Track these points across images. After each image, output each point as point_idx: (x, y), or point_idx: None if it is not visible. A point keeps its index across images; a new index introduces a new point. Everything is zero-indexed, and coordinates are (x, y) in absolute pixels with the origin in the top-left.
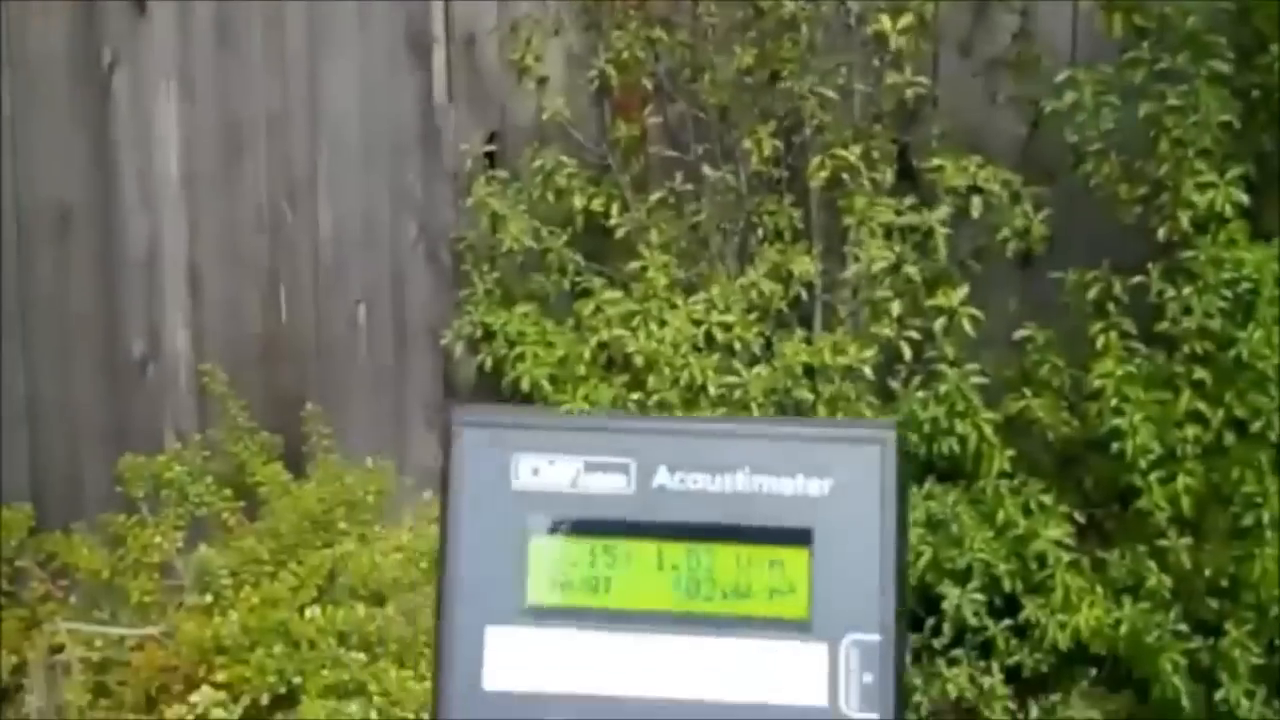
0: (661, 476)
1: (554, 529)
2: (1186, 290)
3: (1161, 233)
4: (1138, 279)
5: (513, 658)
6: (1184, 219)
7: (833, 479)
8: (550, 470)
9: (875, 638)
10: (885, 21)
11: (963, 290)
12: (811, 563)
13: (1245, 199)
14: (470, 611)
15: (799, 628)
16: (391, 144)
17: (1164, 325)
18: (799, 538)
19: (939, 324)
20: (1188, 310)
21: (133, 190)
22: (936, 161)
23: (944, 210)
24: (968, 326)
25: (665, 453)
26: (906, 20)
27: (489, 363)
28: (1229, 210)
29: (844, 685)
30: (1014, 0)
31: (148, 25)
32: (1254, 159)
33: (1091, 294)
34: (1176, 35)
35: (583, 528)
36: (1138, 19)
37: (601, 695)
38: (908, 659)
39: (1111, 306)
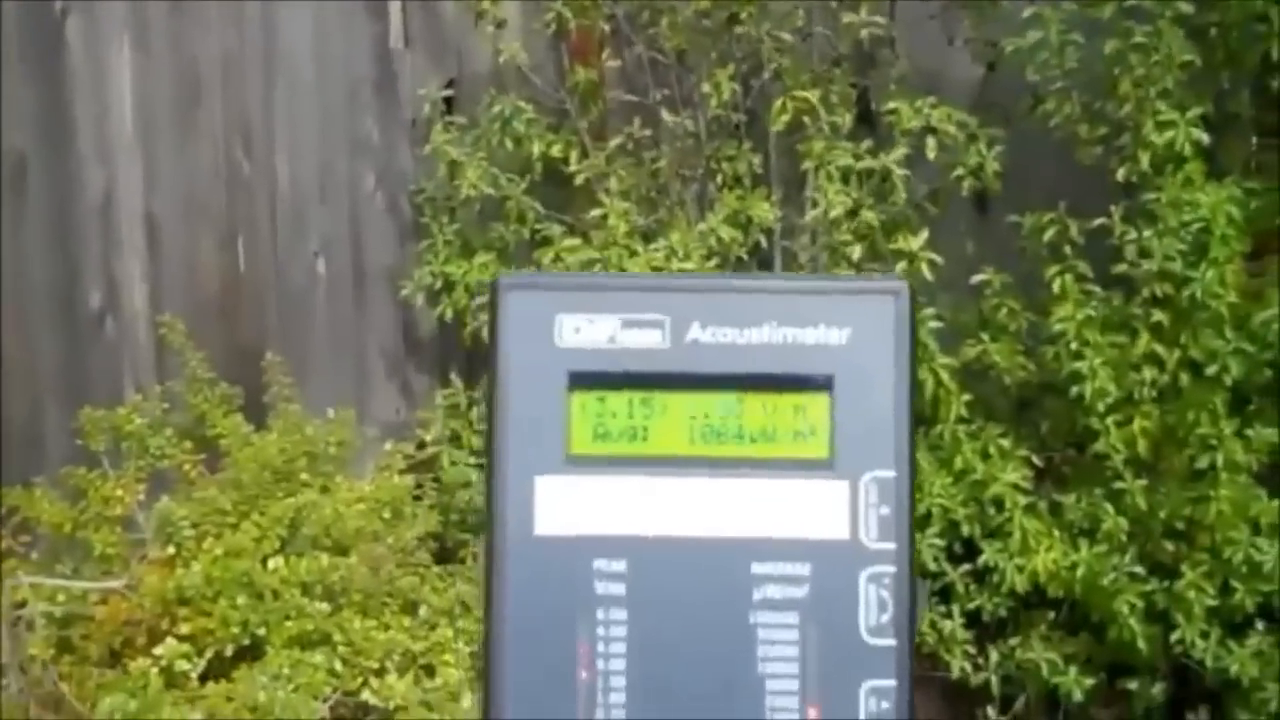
0: (694, 331)
1: (594, 383)
2: (1147, 233)
3: (1121, 174)
4: (1098, 222)
5: (560, 505)
6: (1144, 159)
7: (851, 329)
8: (590, 328)
9: (891, 474)
10: None
11: (923, 235)
12: (832, 407)
13: (1205, 138)
14: (519, 464)
15: (822, 466)
16: (348, 91)
17: (1122, 268)
18: (821, 384)
19: (899, 268)
20: (1147, 253)
21: (88, 141)
22: (892, 104)
23: (900, 151)
24: (926, 271)
25: (697, 309)
26: None
27: (449, 313)
28: (1188, 150)
29: (864, 518)
30: None
31: None
32: (1211, 99)
33: (1048, 237)
34: None
35: (621, 381)
36: None
37: (644, 535)
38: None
39: (1068, 249)
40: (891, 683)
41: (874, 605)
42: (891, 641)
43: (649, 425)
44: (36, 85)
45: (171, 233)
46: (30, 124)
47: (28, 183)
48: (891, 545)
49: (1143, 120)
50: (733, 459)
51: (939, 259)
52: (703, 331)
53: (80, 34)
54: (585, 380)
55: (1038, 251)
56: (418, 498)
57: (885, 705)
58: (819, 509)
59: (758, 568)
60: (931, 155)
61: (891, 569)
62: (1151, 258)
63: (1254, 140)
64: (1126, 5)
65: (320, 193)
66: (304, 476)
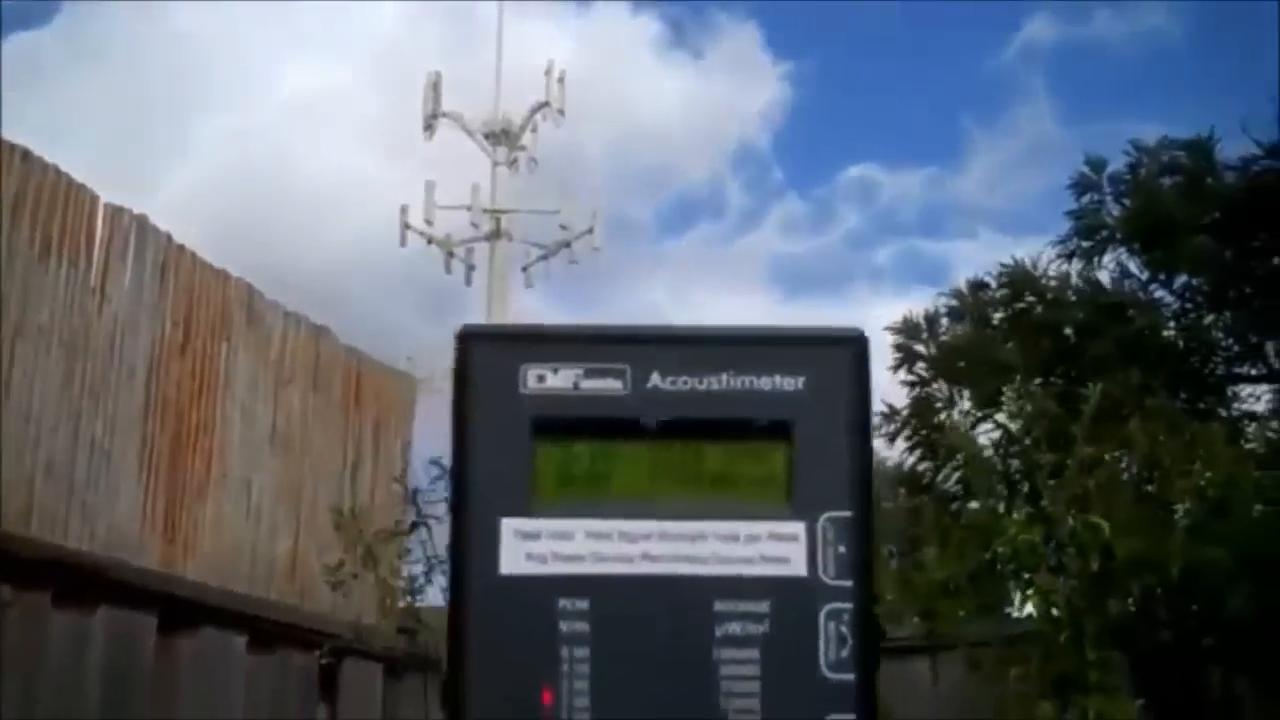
0: (654, 379)
1: (558, 430)
2: None
3: None
4: None
5: (524, 546)
6: None
7: (806, 376)
8: (554, 377)
9: (847, 514)
10: None
11: None
12: (790, 452)
13: None
14: (484, 506)
15: (780, 508)
16: None
17: None
18: (778, 430)
19: None
20: None
21: None
22: None
23: None
24: None
25: (657, 359)
26: None
27: None
28: None
29: (821, 557)
30: None
31: None
32: None
33: None
34: None
35: (583, 427)
36: None
37: (607, 575)
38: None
39: None
40: (851, 717)
41: (833, 641)
42: (850, 676)
43: (611, 470)
44: None
45: None
46: None
47: None
48: (849, 583)
49: None
50: (693, 501)
51: None
52: (662, 380)
53: None
54: (549, 427)
55: None
56: None
57: None
58: (778, 548)
59: (719, 605)
60: None
61: (849, 605)
62: None
63: None
64: None
65: None
66: None
